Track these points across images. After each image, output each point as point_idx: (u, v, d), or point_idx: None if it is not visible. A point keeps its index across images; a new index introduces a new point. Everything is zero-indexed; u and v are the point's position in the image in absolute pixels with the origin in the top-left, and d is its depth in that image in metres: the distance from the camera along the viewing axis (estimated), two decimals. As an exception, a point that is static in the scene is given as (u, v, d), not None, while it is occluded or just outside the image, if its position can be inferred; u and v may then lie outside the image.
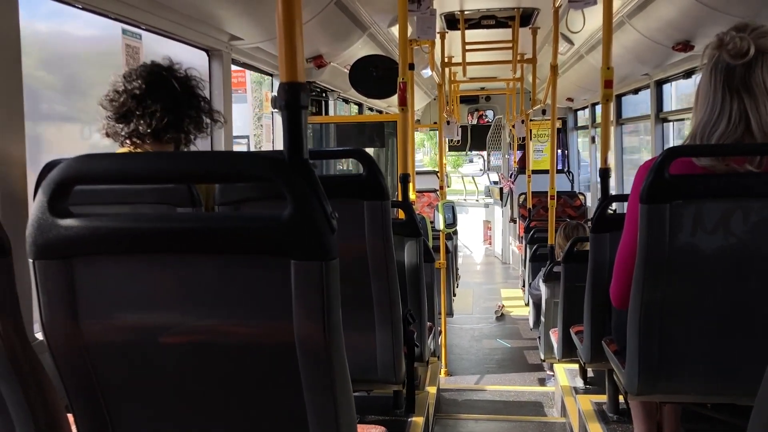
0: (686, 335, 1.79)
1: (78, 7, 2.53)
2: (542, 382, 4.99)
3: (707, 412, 2.09)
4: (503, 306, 6.76)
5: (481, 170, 13.30)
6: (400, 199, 3.14)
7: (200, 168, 1.03)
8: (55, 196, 1.02)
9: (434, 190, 8.99)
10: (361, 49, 5.26)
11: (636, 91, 6.49)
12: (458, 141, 10.07)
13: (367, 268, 1.96)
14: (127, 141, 2.04)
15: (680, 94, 5.76)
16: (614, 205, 5.38)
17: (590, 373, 3.52)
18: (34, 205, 1.03)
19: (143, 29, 2.95)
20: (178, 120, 2.05)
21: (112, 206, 1.72)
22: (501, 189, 10.86)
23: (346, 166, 6.81)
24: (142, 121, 2.00)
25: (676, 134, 5.84)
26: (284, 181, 0.98)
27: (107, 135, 2.07)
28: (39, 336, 1.10)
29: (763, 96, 1.71)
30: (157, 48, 3.07)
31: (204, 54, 3.62)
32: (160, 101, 2.02)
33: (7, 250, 1.03)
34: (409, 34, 4.32)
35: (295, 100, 1.02)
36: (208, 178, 1.12)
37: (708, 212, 1.69)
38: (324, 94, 6.03)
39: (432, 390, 3.51)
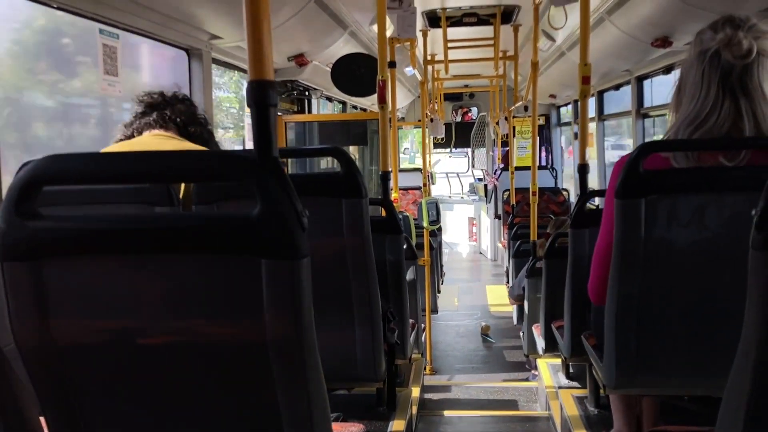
0: (662, 329, 1.80)
1: (54, 7, 2.51)
2: (527, 377, 5.02)
3: (686, 404, 2.11)
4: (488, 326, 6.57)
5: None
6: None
7: (168, 167, 1.03)
8: (22, 197, 1.01)
9: (418, 188, 9.01)
10: (342, 47, 5.25)
11: (617, 87, 6.52)
12: (442, 138, 10.08)
13: (346, 266, 1.96)
14: (152, 127, 2.20)
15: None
16: (597, 201, 5.41)
17: (572, 368, 3.54)
18: (2, 207, 1.02)
19: (121, 29, 2.93)
20: (201, 126, 2.28)
21: (90, 207, 1.71)
22: (485, 186, 10.89)
23: (331, 166, 6.81)
24: (175, 108, 2.23)
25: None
26: (253, 179, 0.98)
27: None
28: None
29: (759, 97, 1.70)
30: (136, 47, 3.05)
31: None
32: (189, 109, 2.29)
33: None
34: (390, 32, 4.32)
35: (264, 98, 1.02)
36: (176, 177, 1.11)
37: (682, 206, 1.70)
38: (306, 93, 6.02)
39: (415, 387, 3.51)
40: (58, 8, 2.51)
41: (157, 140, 2.13)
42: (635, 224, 1.71)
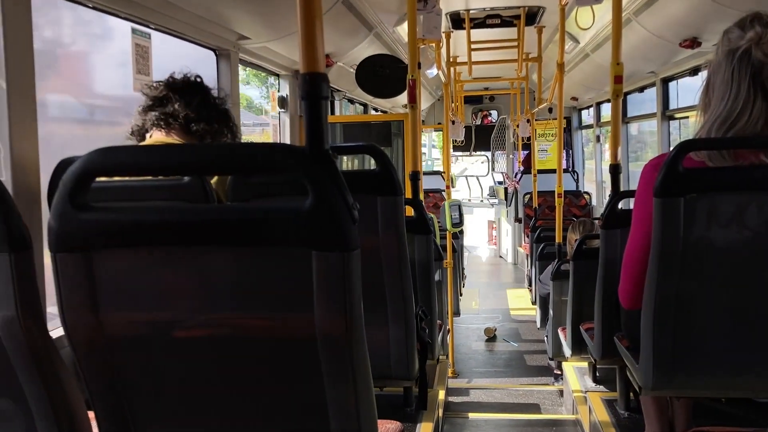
0: (701, 330, 1.78)
1: (89, 6, 2.54)
2: (550, 381, 4.98)
3: (720, 406, 2.08)
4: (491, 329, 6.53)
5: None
6: (409, 196, 3.13)
7: (218, 158, 1.03)
8: (76, 189, 1.02)
9: (440, 191, 9.00)
10: (367, 48, 5.25)
11: (641, 90, 6.47)
12: (462, 141, 10.06)
13: (381, 264, 1.96)
14: (156, 127, 2.12)
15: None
16: (621, 203, 5.36)
17: (599, 372, 3.51)
18: (56, 199, 1.03)
19: (152, 29, 2.95)
20: (210, 119, 2.16)
21: (128, 204, 1.72)
22: (506, 189, 10.85)
23: (352, 165, 6.82)
24: (177, 105, 2.11)
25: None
26: (305, 171, 0.98)
27: (132, 133, 2.17)
28: (54, 333, 1.11)
29: None
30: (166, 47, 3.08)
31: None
32: (197, 98, 2.15)
33: (28, 243, 1.03)
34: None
35: (316, 91, 1.02)
36: (226, 169, 1.12)
37: (722, 205, 1.68)
38: (330, 94, 6.04)
39: (441, 388, 3.50)
40: (93, 8, 2.53)
41: None
42: (674, 223, 1.69)
